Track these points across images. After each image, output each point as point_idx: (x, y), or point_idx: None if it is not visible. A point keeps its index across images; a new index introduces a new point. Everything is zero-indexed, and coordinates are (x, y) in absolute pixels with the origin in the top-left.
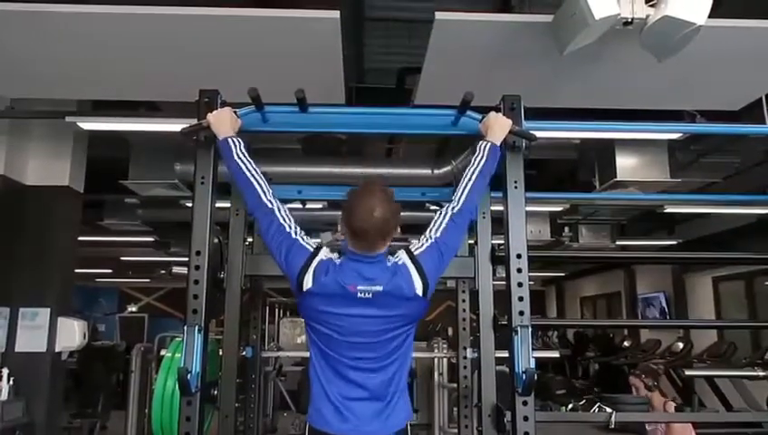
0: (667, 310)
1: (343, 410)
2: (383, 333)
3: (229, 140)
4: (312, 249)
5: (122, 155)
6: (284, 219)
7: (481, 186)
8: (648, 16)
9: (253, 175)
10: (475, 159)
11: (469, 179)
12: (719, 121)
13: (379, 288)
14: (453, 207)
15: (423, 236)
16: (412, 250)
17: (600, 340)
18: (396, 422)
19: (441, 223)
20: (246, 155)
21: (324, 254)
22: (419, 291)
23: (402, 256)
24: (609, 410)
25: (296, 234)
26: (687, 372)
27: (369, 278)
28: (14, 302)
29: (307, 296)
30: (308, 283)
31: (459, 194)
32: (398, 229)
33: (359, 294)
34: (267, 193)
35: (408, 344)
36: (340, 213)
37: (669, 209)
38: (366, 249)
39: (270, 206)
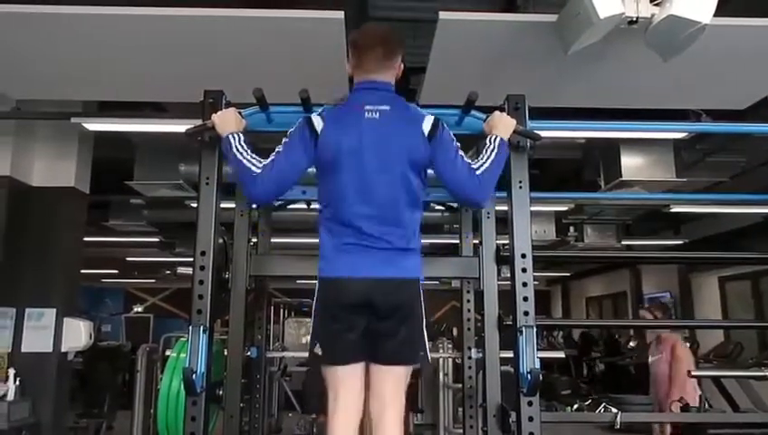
0: (672, 310)
1: (357, 257)
2: (391, 166)
3: (229, 135)
4: (303, 120)
5: (127, 156)
6: (271, 155)
7: (493, 176)
8: (652, 15)
9: (246, 159)
10: (486, 151)
11: (481, 166)
12: (725, 121)
13: (386, 107)
14: (476, 167)
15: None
16: (437, 121)
17: (606, 340)
18: (410, 269)
19: (462, 158)
20: (245, 146)
21: (317, 113)
22: (425, 129)
23: (425, 112)
24: (614, 410)
25: (281, 146)
26: (693, 373)
27: (376, 101)
28: (20, 302)
29: (321, 137)
30: (319, 124)
31: (480, 163)
32: (401, 65)
33: (366, 114)
34: (259, 163)
35: (416, 194)
36: None
37: (675, 209)
38: (372, 72)
39: (261, 164)
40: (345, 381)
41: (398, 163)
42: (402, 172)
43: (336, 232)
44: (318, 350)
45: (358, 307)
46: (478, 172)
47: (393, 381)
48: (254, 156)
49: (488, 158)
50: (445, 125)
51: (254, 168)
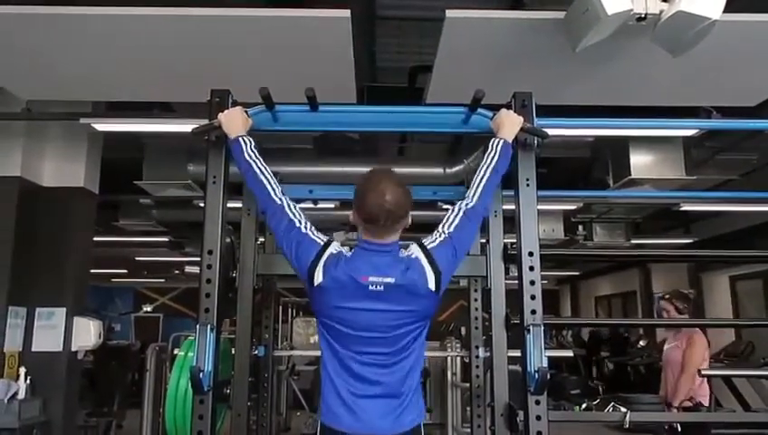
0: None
1: (355, 408)
2: (395, 328)
3: (240, 139)
4: (322, 243)
5: (136, 156)
6: (294, 215)
7: (494, 183)
8: (661, 12)
9: (262, 172)
10: (487, 157)
11: (482, 177)
12: (735, 117)
13: (391, 280)
14: (467, 204)
15: (436, 232)
16: (425, 244)
17: (615, 339)
18: (409, 420)
19: (454, 219)
20: (256, 153)
21: (335, 247)
22: (432, 286)
23: (415, 250)
24: (623, 409)
25: (306, 228)
26: (704, 372)
27: (381, 269)
28: (31, 302)
29: (318, 291)
30: (319, 277)
31: (472, 191)
32: (410, 220)
33: (370, 287)
34: (276, 190)
35: (420, 342)
36: (350, 212)
37: (685, 207)
38: (378, 236)
39: (279, 203)
40: None
41: (403, 327)
42: (406, 331)
43: (336, 379)
44: None
45: None
46: (470, 205)
47: None
48: (271, 175)
49: (488, 165)
50: (439, 249)
51: (274, 196)
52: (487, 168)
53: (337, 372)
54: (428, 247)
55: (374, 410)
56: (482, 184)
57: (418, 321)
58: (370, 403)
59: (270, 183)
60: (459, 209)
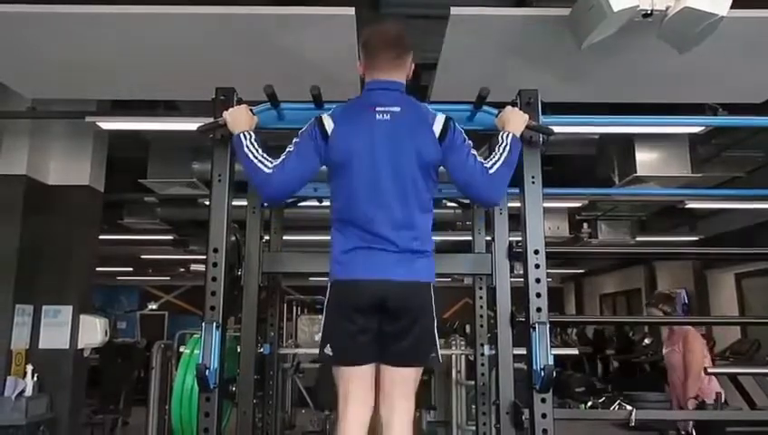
0: (688, 307)
1: (369, 259)
2: (402, 169)
3: (240, 134)
4: (314, 120)
5: (141, 154)
6: (287, 150)
7: (506, 175)
8: (667, 8)
9: (257, 159)
10: (499, 148)
11: (494, 165)
12: (741, 114)
13: (397, 109)
14: (486, 168)
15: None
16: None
17: (620, 337)
18: (421, 272)
19: (475, 153)
20: (256, 145)
21: (330, 111)
22: (437, 130)
23: (433, 111)
24: (629, 407)
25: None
26: (710, 370)
27: (387, 102)
28: (37, 300)
29: (332, 139)
30: (330, 125)
31: (492, 159)
32: (412, 63)
33: (377, 116)
34: (268, 163)
35: (427, 197)
36: None
37: (690, 205)
38: (382, 71)
39: (272, 164)
40: (355, 382)
41: (409, 166)
42: (413, 175)
43: (348, 234)
44: (329, 350)
45: (369, 308)
46: (491, 171)
47: (403, 381)
48: (264, 155)
49: (500, 155)
50: (456, 125)
51: (265, 168)
52: (498, 159)
53: (348, 226)
54: (448, 125)
55: (386, 260)
56: (499, 162)
57: (422, 167)
58: (382, 254)
59: (264, 163)
60: (482, 163)
